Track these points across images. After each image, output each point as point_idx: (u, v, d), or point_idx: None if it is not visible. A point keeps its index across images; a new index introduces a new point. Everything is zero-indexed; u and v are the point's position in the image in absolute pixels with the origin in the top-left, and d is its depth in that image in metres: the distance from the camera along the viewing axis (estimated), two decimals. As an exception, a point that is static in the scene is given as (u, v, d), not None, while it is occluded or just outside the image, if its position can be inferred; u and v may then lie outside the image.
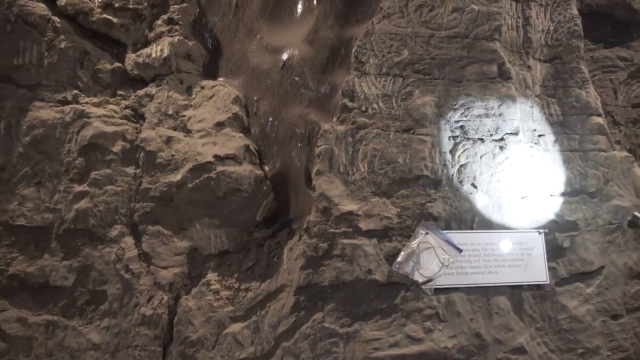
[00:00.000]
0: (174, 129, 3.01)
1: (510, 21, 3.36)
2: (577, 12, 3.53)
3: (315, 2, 3.35)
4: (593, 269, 3.26)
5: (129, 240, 2.85)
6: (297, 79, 3.19)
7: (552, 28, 3.48)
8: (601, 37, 4.12)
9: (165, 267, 2.88)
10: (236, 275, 2.99)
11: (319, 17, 3.29)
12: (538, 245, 3.16)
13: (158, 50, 3.03)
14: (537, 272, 3.14)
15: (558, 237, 3.24)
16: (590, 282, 3.25)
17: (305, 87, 3.19)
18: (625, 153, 3.44)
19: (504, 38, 3.29)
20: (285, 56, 3.23)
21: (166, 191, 2.90)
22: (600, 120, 3.42)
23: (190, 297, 2.90)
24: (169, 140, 2.95)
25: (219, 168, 2.92)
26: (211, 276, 2.95)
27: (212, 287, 2.93)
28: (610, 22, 4.12)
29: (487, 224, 3.12)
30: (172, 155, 2.93)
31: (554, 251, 3.22)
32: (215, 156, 2.93)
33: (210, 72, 3.31)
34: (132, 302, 2.80)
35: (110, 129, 2.93)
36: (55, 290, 2.79)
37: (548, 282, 3.14)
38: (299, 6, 3.36)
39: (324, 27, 3.27)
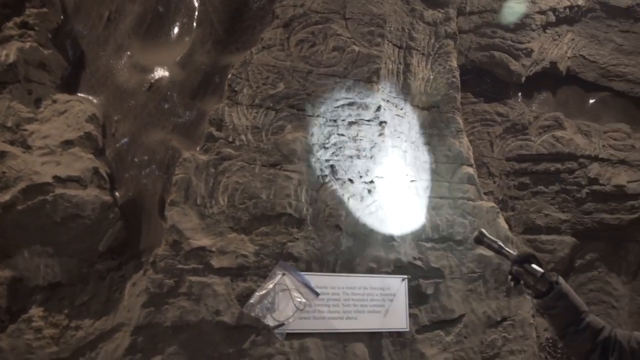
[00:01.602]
0: (11, 143, 2.69)
1: (391, 66, 3.40)
2: (456, 65, 3.66)
3: (195, 24, 3.21)
4: (454, 317, 3.27)
5: None
6: (163, 102, 3.00)
7: (431, 77, 3.57)
8: (482, 92, 4.33)
9: (-23, 300, 2.50)
10: (67, 311, 2.66)
11: (196, 40, 3.15)
12: (400, 291, 3.12)
13: (3, 54, 2.73)
14: (398, 319, 3.08)
15: (422, 284, 3.22)
16: (451, 330, 3.25)
17: (171, 111, 3.00)
18: (492, 204, 3.55)
19: (383, 82, 3.31)
20: (153, 77, 3.04)
21: (-10, 212, 2.55)
22: (470, 170, 3.52)
23: (5, 336, 2.53)
24: (2, 156, 2.62)
25: (58, 190, 2.63)
26: (35, 311, 2.60)
27: (35, 324, 2.58)
28: (491, 79, 4.34)
29: (350, 268, 3.04)
30: (4, 173, 2.60)
31: (417, 298, 3.20)
32: (56, 177, 2.64)
33: (70, 86, 3.04)
34: None
35: None
36: None
37: (408, 329, 3.09)
38: (177, 27, 3.21)
39: (199, 51, 3.13)
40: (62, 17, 3.01)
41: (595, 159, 4.29)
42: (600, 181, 4.26)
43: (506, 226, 3.54)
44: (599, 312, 4.42)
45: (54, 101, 2.87)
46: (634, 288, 4.49)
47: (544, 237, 4.24)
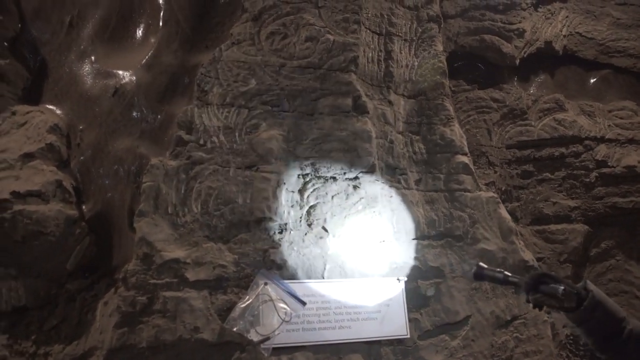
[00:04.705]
0: (-34, 159, 2.52)
1: (370, 54, 3.19)
2: (441, 49, 3.45)
3: (160, 24, 3.04)
4: (459, 319, 3.01)
5: None
6: (129, 107, 2.83)
7: (416, 64, 3.36)
8: (475, 78, 4.09)
9: None
10: (34, 337, 2.47)
11: (161, 41, 2.98)
12: (397, 295, 2.88)
13: (-46, 67, 2.58)
14: (396, 325, 2.83)
15: (421, 286, 2.98)
16: (456, 333, 2.99)
17: (137, 116, 2.82)
18: (491, 193, 3.30)
19: (362, 71, 3.10)
20: (118, 82, 2.87)
21: (-56, 234, 2.38)
22: (465, 159, 3.28)
23: (-35, 368, 2.35)
24: (-44, 173, 2.46)
25: (17, 207, 2.45)
26: (-1, 339, 2.41)
27: (-1, 353, 2.39)
28: (484, 64, 4.10)
29: (339, 273, 2.81)
30: (-42, 191, 2.43)
31: (417, 301, 2.95)
32: (14, 193, 2.46)
33: (33, 96, 2.88)
34: None
35: None
36: None
37: (408, 335, 2.83)
38: (142, 28, 3.04)
39: (166, 51, 2.95)
40: (19, 24, 2.86)
41: (602, 140, 4.03)
42: (609, 163, 3.99)
43: (508, 217, 3.28)
44: (621, 304, 4.12)
45: (13, 113, 2.71)
46: (656, 275, 4.18)
47: (553, 227, 3.97)
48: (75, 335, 2.53)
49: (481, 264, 1.91)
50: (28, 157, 2.60)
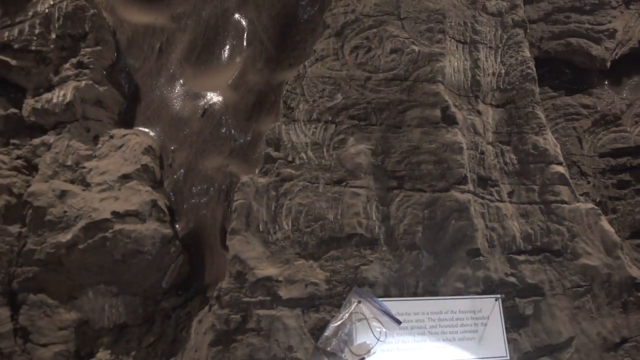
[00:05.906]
0: (71, 182, 2.65)
1: (456, 63, 3.09)
2: (529, 55, 3.28)
3: (245, 44, 3.10)
4: (561, 341, 2.79)
5: (2, 312, 2.41)
6: (218, 127, 2.88)
7: (503, 71, 3.21)
8: (562, 84, 3.87)
9: (45, 345, 2.42)
10: (134, 352, 2.52)
11: (247, 60, 3.04)
12: (495, 313, 2.71)
13: (60, 95, 2.73)
14: (495, 345, 2.67)
15: (519, 304, 2.79)
16: (559, 356, 2.77)
17: (226, 135, 2.87)
18: (591, 205, 3.07)
19: (449, 81, 3.00)
20: (207, 102, 2.93)
21: (53, 253, 2.49)
22: (561, 169, 3.07)
23: (74, 383, 2.43)
24: (62, 195, 2.58)
25: (117, 226, 2.53)
26: (102, 354, 2.48)
27: (103, 368, 2.46)
28: (570, 69, 3.88)
29: (433, 290, 2.69)
30: (65, 212, 2.55)
31: (515, 320, 2.77)
32: (114, 213, 2.56)
33: (127, 120, 3.00)
34: (-2, 390, 2.33)
35: (-4, 181, 2.57)
36: None
37: (508, 357, 2.66)
38: (227, 49, 3.11)
39: (251, 71, 3.00)
40: (115, 53, 3.01)
41: None
42: None
43: (611, 229, 3.03)
44: None
45: (111, 136, 2.83)
46: None
47: (657, 241, 3.64)
48: (171, 352, 2.56)
49: None
50: (126, 178, 2.70)
